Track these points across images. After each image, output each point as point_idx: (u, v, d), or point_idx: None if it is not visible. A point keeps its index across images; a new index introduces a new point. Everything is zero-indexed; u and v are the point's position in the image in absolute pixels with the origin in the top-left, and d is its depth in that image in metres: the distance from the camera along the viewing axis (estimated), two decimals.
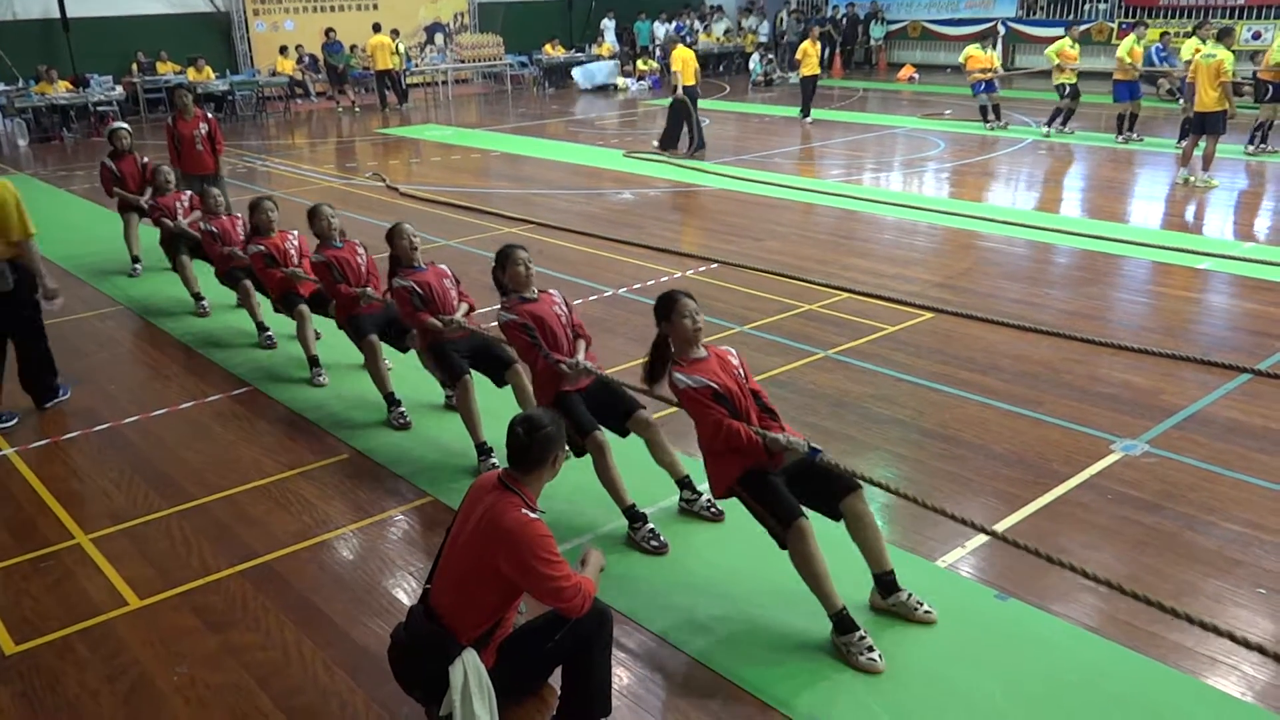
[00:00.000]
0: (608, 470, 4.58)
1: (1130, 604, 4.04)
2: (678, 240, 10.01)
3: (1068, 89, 15.72)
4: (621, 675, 3.73)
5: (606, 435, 4.64)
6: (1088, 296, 8.03)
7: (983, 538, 4.54)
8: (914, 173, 13.83)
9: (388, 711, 3.60)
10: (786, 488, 3.90)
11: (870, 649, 3.73)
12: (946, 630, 3.93)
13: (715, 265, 9.11)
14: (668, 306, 4.13)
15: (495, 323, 5.00)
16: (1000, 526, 4.65)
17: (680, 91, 14.81)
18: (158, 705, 3.70)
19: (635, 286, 8.54)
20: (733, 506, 4.37)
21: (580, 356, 4.80)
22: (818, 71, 17.97)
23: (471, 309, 5.73)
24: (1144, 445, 5.42)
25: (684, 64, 14.88)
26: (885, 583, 3.98)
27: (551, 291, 5.05)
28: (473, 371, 5.41)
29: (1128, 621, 3.95)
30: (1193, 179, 11.95)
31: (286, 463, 5.59)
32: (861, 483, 3.90)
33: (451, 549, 3.32)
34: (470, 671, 3.15)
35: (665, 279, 8.73)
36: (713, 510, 4.77)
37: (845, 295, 8.12)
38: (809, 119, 18.16)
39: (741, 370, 4.14)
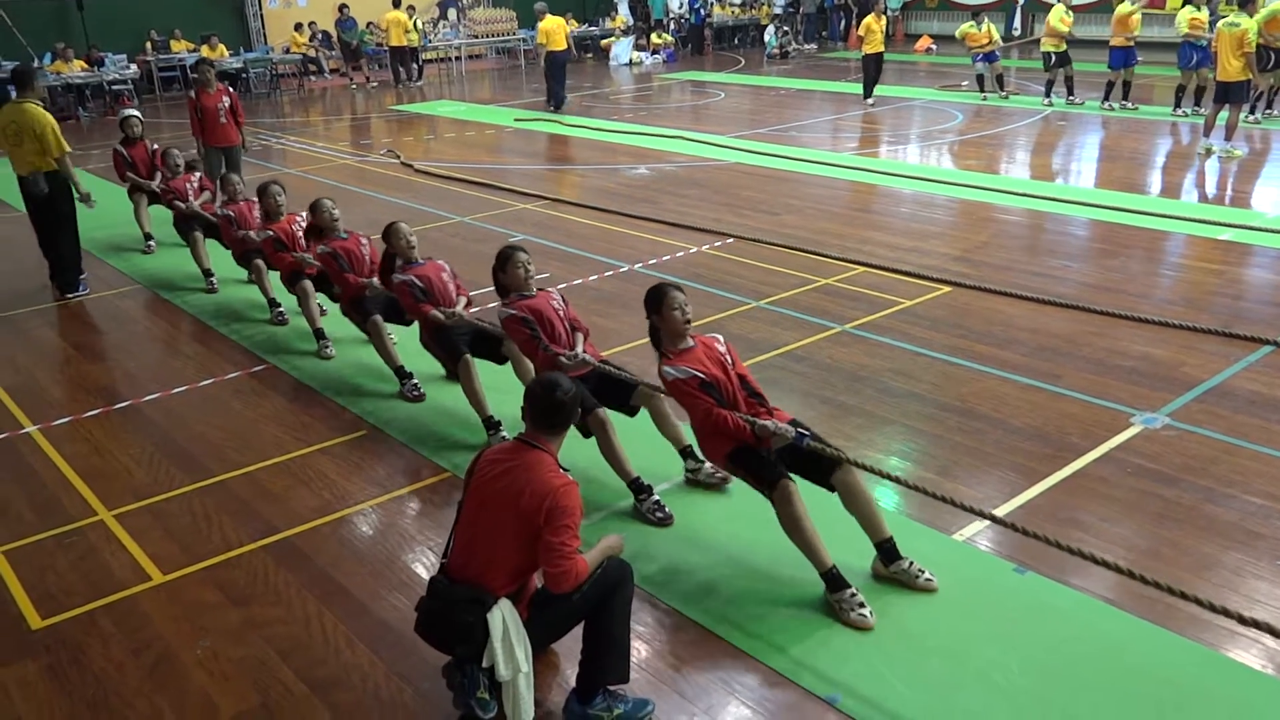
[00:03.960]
0: (611, 445, 4.68)
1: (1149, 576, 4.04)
2: (693, 215, 9.96)
3: (1054, 57, 15.60)
4: (640, 649, 3.75)
5: (608, 413, 4.73)
6: (1107, 269, 7.96)
7: (1000, 511, 4.54)
8: (931, 145, 13.71)
9: (409, 684, 3.64)
10: (778, 460, 4.02)
11: (861, 605, 3.82)
12: (964, 603, 3.93)
13: (731, 240, 9.07)
14: (658, 300, 4.23)
15: (496, 319, 5.16)
16: (1018, 500, 4.65)
17: (546, 54, 17.15)
18: (182, 678, 3.75)
19: (651, 262, 8.51)
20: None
21: (579, 349, 4.93)
22: (882, 49, 16.66)
23: (470, 303, 5.86)
24: (1164, 418, 5.39)
25: (550, 33, 16.99)
26: (886, 550, 4.04)
27: (549, 290, 5.22)
28: (473, 355, 5.50)
29: (1146, 594, 3.93)
30: (1215, 148, 11.81)
31: (306, 439, 5.63)
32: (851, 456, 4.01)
33: (476, 513, 3.35)
34: (508, 618, 3.22)
35: (681, 254, 8.71)
36: (717, 476, 4.85)
37: (862, 269, 8.08)
38: (871, 101, 16.72)
39: (729, 357, 4.25)
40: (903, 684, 3.52)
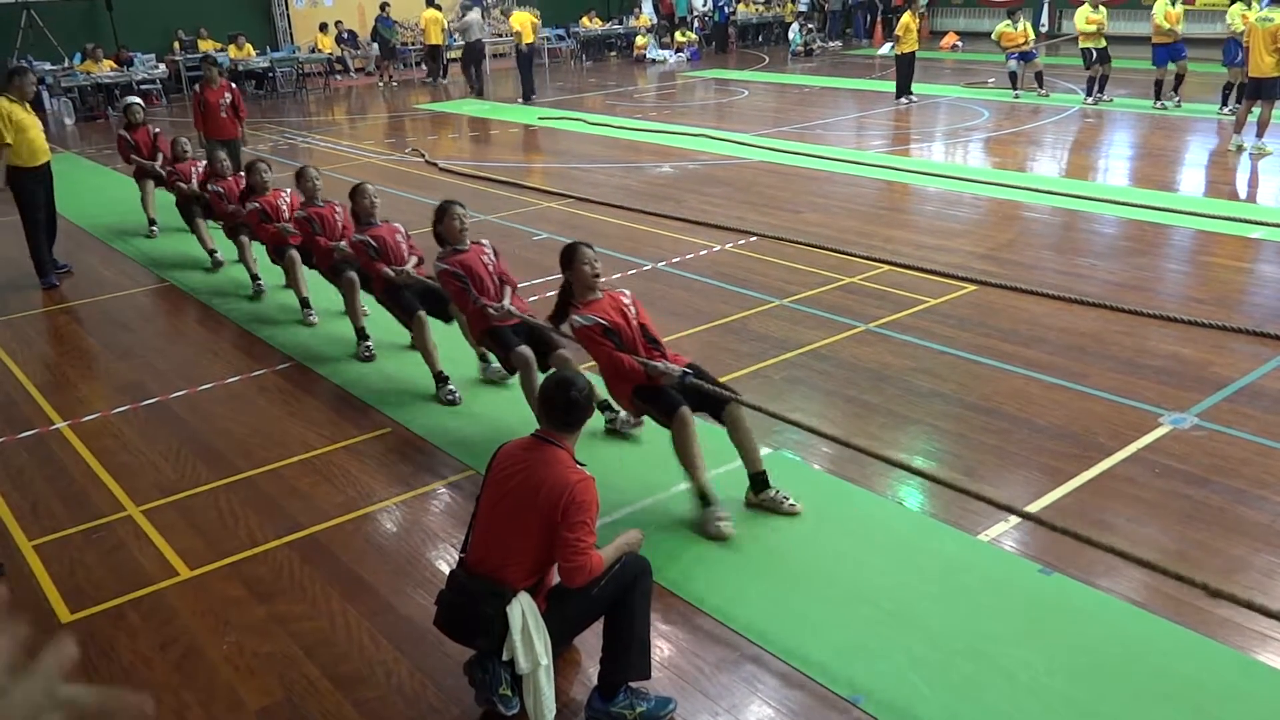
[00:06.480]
0: (532, 385, 5.11)
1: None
2: (716, 213, 9.94)
3: (1095, 54, 15.34)
4: (661, 647, 3.74)
5: (530, 354, 5.24)
6: (1135, 267, 7.88)
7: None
8: (957, 143, 13.62)
9: (432, 681, 3.65)
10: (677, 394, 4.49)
11: (720, 519, 4.35)
12: (989, 604, 3.91)
13: (754, 238, 9.04)
14: (570, 256, 4.69)
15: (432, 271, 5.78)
16: (1044, 501, 4.60)
17: (523, 47, 18.68)
18: (209, 673, 3.78)
19: (674, 260, 8.50)
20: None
21: (506, 301, 5.46)
22: (917, 48, 16.58)
23: (420, 260, 6.40)
24: (1193, 418, 5.32)
25: (524, 26, 18.56)
26: (758, 481, 4.55)
27: (482, 242, 5.77)
28: (424, 312, 6.07)
29: (1174, 596, 3.90)
30: (1246, 145, 11.66)
31: (330, 436, 5.66)
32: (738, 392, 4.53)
33: (494, 509, 3.37)
34: (527, 611, 3.24)
35: (704, 252, 8.69)
36: (631, 424, 5.35)
37: (886, 268, 8.03)
38: (910, 99, 16.55)
39: (633, 308, 4.70)
40: (926, 684, 3.50)
